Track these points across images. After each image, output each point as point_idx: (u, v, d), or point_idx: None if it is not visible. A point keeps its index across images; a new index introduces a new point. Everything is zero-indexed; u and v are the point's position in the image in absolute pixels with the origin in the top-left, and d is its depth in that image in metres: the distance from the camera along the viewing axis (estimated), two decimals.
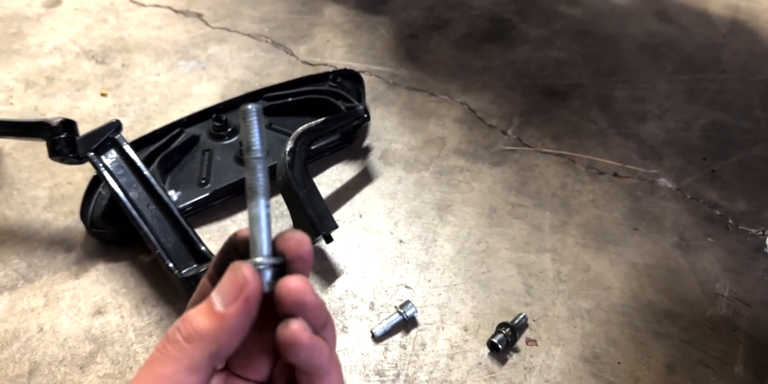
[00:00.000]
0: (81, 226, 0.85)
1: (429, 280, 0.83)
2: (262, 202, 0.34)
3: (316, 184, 0.85)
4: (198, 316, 0.31)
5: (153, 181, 0.78)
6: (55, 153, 0.75)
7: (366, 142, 1.04)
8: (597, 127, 1.10)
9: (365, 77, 1.12)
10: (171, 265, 0.73)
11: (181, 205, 0.85)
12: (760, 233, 0.91)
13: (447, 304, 0.80)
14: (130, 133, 1.00)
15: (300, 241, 0.34)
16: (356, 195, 0.94)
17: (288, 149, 0.80)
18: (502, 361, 0.74)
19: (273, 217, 0.87)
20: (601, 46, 1.31)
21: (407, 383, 0.71)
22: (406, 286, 0.82)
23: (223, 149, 0.96)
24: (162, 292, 0.79)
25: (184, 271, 0.73)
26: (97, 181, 0.87)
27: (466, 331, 0.77)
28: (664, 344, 0.77)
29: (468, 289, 0.82)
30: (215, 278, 0.35)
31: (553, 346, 0.76)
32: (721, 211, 0.95)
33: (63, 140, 0.75)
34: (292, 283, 0.32)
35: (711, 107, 1.15)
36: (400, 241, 0.88)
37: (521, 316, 0.77)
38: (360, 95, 1.07)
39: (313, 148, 0.92)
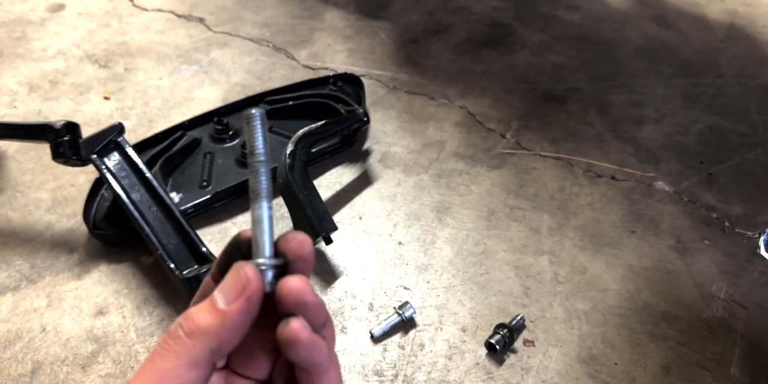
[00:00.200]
0: (83, 228, 0.86)
1: (428, 282, 0.83)
2: (264, 205, 0.35)
3: (316, 187, 0.85)
4: (200, 313, 0.32)
5: (155, 183, 0.79)
6: (59, 155, 0.76)
7: (366, 145, 1.05)
8: (595, 130, 1.11)
9: (365, 81, 1.13)
10: (172, 266, 0.74)
11: (183, 207, 0.86)
12: (756, 236, 0.92)
13: (445, 305, 0.81)
14: (133, 136, 1.01)
15: (302, 242, 0.34)
16: (356, 197, 0.95)
17: (288, 152, 0.81)
18: (500, 361, 0.75)
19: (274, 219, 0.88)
20: (599, 51, 1.32)
21: (405, 383, 0.72)
22: (405, 288, 0.83)
23: (225, 152, 0.97)
24: (163, 293, 0.80)
25: (185, 272, 0.74)
26: (100, 183, 0.88)
27: (464, 331, 0.78)
28: (660, 346, 0.77)
29: (466, 290, 0.82)
30: (218, 278, 0.35)
31: (551, 347, 0.76)
32: (717, 214, 0.96)
33: (66, 143, 0.76)
34: (293, 283, 0.32)
35: (708, 111, 1.16)
36: (399, 243, 0.88)
37: (519, 318, 0.77)
38: (360, 99, 1.08)
39: (313, 150, 0.93)
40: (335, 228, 0.81)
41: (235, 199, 0.93)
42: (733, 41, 1.37)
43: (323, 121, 0.88)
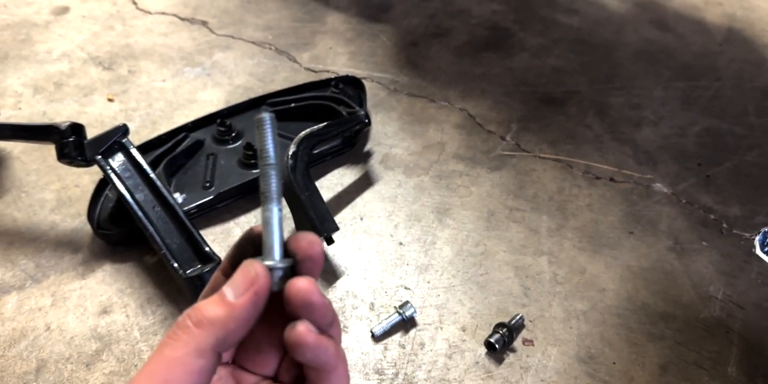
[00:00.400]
0: (88, 228, 0.87)
1: (428, 282, 0.84)
2: (274, 207, 0.35)
3: (318, 188, 0.86)
4: (209, 305, 0.33)
5: (159, 183, 0.80)
6: (64, 156, 0.77)
7: (367, 147, 1.06)
8: (593, 133, 1.12)
9: (367, 84, 1.14)
10: (176, 265, 0.75)
11: (186, 208, 0.87)
12: (754, 237, 0.93)
13: (445, 304, 0.81)
14: (137, 137, 1.02)
15: (312, 242, 0.36)
16: (357, 198, 0.96)
17: (290, 153, 0.82)
18: (499, 360, 0.75)
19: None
20: (598, 54, 1.33)
21: (406, 382, 0.73)
22: (406, 288, 0.83)
23: (227, 153, 0.98)
24: (166, 292, 0.81)
25: (188, 271, 0.75)
26: (104, 183, 0.89)
27: (464, 331, 0.78)
28: (658, 345, 0.78)
29: (466, 290, 0.83)
30: (228, 272, 0.36)
31: (550, 346, 0.77)
32: (715, 215, 0.97)
33: (71, 143, 0.77)
34: (300, 283, 0.34)
35: (706, 114, 1.17)
36: (400, 244, 0.89)
37: (518, 317, 0.78)
38: (361, 101, 1.09)
39: (315, 152, 0.95)
40: (337, 228, 0.82)
41: (238, 199, 0.94)
42: (731, 44, 1.38)
43: (325, 123, 0.89)
